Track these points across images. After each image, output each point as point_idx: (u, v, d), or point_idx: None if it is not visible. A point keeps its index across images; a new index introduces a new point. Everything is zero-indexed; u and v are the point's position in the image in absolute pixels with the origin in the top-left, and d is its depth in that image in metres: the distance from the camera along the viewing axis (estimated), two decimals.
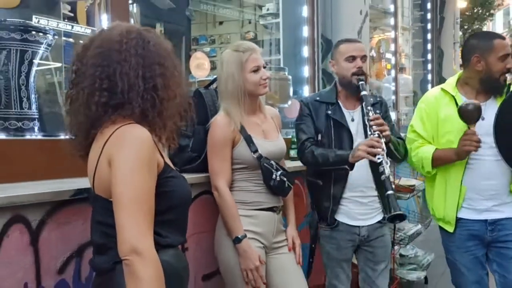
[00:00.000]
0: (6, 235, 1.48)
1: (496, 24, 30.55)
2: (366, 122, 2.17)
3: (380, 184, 2.23)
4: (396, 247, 3.55)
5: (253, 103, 2.11)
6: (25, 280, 1.53)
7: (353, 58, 2.27)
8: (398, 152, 2.27)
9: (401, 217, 1.97)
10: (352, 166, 2.14)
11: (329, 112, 2.29)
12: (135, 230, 1.19)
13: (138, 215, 1.20)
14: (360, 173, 2.25)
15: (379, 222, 2.32)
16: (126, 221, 1.19)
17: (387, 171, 2.03)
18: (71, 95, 1.35)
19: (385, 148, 2.06)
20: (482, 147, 2.14)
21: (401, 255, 3.81)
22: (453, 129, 2.21)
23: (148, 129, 1.32)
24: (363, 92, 2.22)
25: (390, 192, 1.99)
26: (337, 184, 2.27)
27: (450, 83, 2.36)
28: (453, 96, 2.27)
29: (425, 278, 3.91)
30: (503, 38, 2.26)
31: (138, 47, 1.32)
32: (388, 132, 2.10)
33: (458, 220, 2.27)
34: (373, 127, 2.10)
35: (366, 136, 2.24)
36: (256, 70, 2.04)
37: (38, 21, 2.69)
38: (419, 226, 3.83)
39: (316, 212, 2.38)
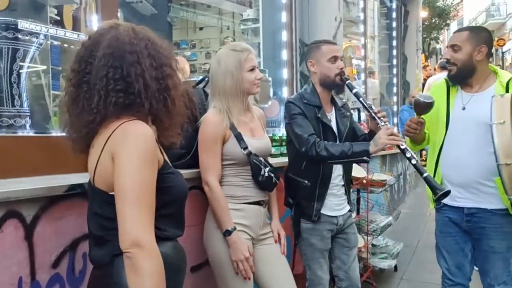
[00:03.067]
0: (0, 230, 1.40)
1: (451, 33, 31.24)
2: (371, 114, 2.13)
3: (348, 179, 2.38)
4: (369, 238, 3.56)
5: (244, 102, 2.07)
6: (19, 274, 1.45)
7: (335, 59, 2.26)
8: None
9: (447, 193, 1.92)
10: (369, 156, 2.09)
11: (319, 115, 2.26)
12: (137, 223, 1.14)
13: (141, 209, 1.15)
14: (337, 174, 2.33)
15: (349, 211, 2.41)
16: (129, 214, 1.14)
17: (414, 155, 2.01)
18: (72, 94, 1.29)
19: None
20: (456, 137, 2.18)
21: (373, 245, 3.83)
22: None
23: (154, 127, 1.29)
24: (355, 90, 2.22)
25: (426, 174, 1.96)
26: (323, 184, 2.26)
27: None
28: None
29: (395, 266, 3.95)
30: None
31: (149, 48, 1.28)
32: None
33: (440, 206, 2.32)
34: (382, 118, 2.10)
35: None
36: (252, 70, 2.01)
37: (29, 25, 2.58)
38: (390, 217, 3.86)
39: (297, 209, 2.32)
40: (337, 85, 2.28)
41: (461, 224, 2.25)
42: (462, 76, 2.22)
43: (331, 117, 2.34)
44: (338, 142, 2.26)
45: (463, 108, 2.20)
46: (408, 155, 1.98)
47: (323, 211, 2.29)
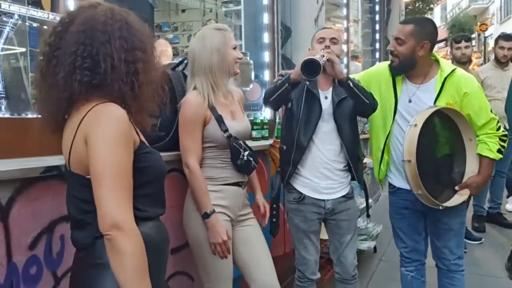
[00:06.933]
0: None
1: (434, 18, 31.44)
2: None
3: (354, 161, 2.28)
4: None
5: (227, 81, 2.07)
6: None
7: (322, 40, 2.31)
8: (363, 94, 2.16)
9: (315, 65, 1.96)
10: (293, 84, 2.13)
11: (307, 83, 2.23)
12: (115, 205, 1.14)
13: (117, 190, 1.15)
14: (328, 148, 2.25)
15: (343, 196, 2.31)
16: (106, 196, 1.14)
17: (324, 57, 2.05)
18: (42, 68, 1.27)
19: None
20: (403, 127, 2.26)
21: None
22: None
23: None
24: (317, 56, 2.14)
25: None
26: (298, 150, 2.25)
27: None
28: None
29: (374, 247, 4.02)
30: None
31: (123, 30, 1.26)
32: (331, 56, 2.09)
33: (394, 189, 2.43)
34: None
35: (334, 116, 2.23)
36: (234, 48, 2.03)
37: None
38: (370, 200, 3.91)
39: (280, 174, 2.38)
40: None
41: (416, 204, 2.26)
42: (403, 69, 2.30)
43: (327, 93, 2.26)
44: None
45: (409, 101, 2.29)
46: (318, 57, 2.01)
47: (307, 192, 2.28)
